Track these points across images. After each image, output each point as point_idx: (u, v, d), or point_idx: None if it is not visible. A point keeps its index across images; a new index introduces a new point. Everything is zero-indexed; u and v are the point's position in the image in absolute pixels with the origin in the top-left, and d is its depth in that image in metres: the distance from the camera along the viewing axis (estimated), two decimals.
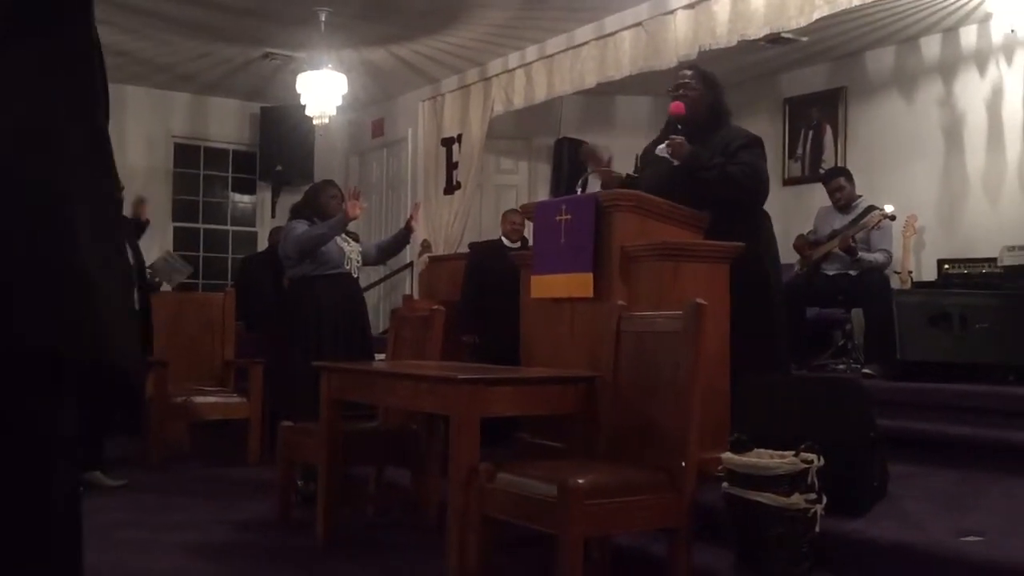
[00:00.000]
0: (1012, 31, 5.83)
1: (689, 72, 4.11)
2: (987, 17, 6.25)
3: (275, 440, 4.31)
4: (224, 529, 4.03)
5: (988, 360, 4.53)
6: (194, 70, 8.06)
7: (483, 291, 5.81)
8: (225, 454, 5.72)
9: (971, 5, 6.10)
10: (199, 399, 5.62)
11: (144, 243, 7.31)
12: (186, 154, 9.01)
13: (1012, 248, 5.57)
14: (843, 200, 5.80)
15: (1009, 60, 6.33)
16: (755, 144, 4.04)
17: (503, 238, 6.29)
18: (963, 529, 2.77)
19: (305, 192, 5.17)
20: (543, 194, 8.36)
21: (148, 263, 5.43)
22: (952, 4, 6.13)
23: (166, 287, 7.22)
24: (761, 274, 3.94)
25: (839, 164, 6.90)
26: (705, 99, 4.07)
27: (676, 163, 3.94)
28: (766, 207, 4.11)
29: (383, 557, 3.64)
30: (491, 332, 5.55)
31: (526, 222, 6.32)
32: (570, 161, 8.28)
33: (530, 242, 6.31)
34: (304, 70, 6.77)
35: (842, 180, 5.86)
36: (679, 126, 3.99)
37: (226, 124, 9.09)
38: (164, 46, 7.37)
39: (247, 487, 4.89)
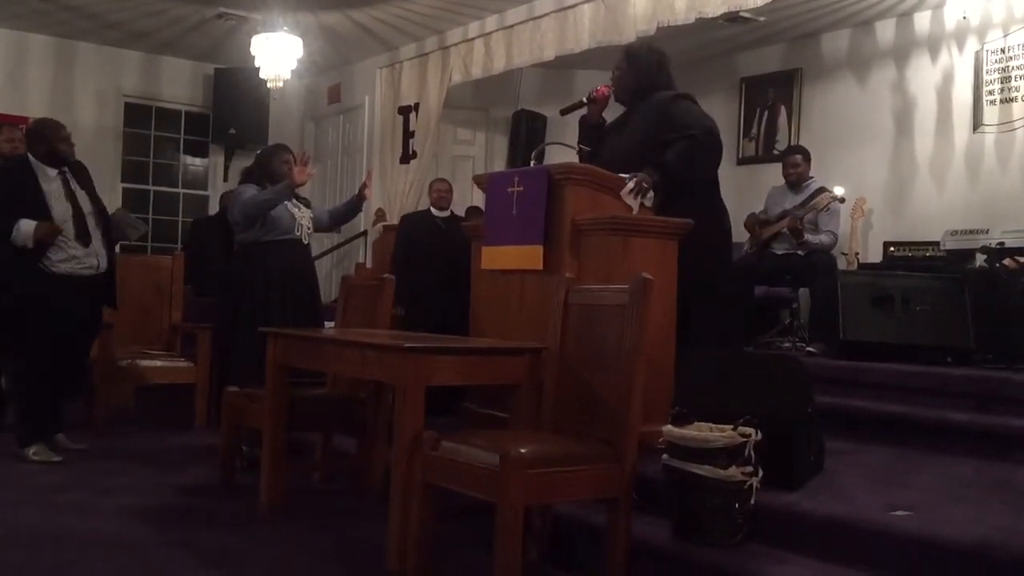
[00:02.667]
0: (964, 17, 5.94)
1: (616, 65, 4.18)
2: (941, 3, 6.34)
3: (221, 405, 4.28)
4: (167, 493, 4.02)
5: (927, 341, 4.63)
6: (146, 28, 7.88)
7: (412, 263, 5.77)
8: (171, 418, 5.68)
9: None
10: (145, 362, 5.56)
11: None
12: (137, 114, 8.83)
13: (955, 232, 5.69)
14: (794, 177, 5.89)
15: (960, 47, 6.43)
16: (683, 98, 4.05)
17: (431, 208, 6.25)
18: (894, 504, 2.84)
19: (257, 156, 5.09)
20: (500, 166, 8.35)
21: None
22: None
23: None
24: (711, 248, 4.00)
25: (793, 144, 6.97)
26: (626, 78, 4.11)
27: (645, 199, 3.81)
28: (719, 182, 4.14)
29: (326, 523, 3.66)
30: (420, 303, 5.51)
31: (455, 190, 6.33)
32: (527, 133, 8.27)
33: (456, 211, 6.32)
34: (259, 32, 6.65)
35: (799, 157, 5.96)
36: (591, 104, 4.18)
37: (179, 84, 8.91)
38: (116, 1, 7.19)
39: (192, 452, 4.87)
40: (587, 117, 4.27)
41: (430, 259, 5.71)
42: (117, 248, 5.76)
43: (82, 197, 4.65)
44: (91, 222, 4.64)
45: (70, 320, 4.56)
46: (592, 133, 4.25)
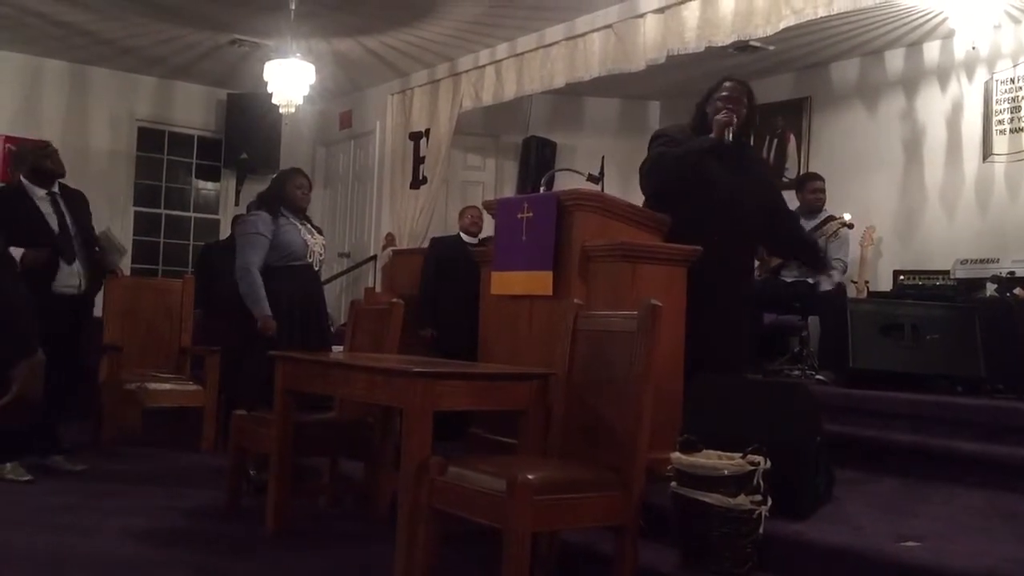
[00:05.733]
0: (973, 48, 5.95)
1: (740, 87, 3.97)
2: (950, 34, 6.36)
3: (229, 428, 4.28)
4: (172, 516, 4.01)
5: (937, 371, 4.61)
6: (161, 54, 7.96)
7: (442, 286, 5.81)
8: (178, 441, 5.68)
9: (935, 21, 6.20)
10: (153, 385, 5.57)
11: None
12: (150, 138, 8.89)
13: (965, 261, 5.68)
14: (820, 202, 5.93)
15: (970, 76, 6.44)
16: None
17: (462, 233, 6.28)
18: (903, 535, 2.82)
19: (272, 180, 5.10)
20: (509, 192, 8.38)
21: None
22: (916, 19, 6.23)
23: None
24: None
25: (801, 173, 6.97)
26: (742, 118, 3.94)
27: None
28: None
29: (332, 548, 3.64)
30: (449, 327, 5.55)
31: (485, 217, 6.34)
32: (537, 159, 8.31)
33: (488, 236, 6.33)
34: (272, 58, 6.71)
35: (822, 183, 6.00)
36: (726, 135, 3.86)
37: (192, 109, 8.98)
38: (130, 28, 7.27)
39: (198, 474, 4.86)
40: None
41: (460, 283, 5.73)
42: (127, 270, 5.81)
43: (70, 219, 4.78)
44: (76, 242, 4.76)
45: (47, 338, 4.56)
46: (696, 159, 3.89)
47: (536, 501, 2.58)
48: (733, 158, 3.89)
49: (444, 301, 5.69)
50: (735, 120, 3.83)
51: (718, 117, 3.84)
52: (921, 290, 5.81)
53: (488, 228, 6.42)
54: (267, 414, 3.94)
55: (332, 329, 5.92)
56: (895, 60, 6.88)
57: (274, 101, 6.74)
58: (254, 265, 4.63)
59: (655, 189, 3.93)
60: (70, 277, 4.70)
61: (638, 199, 4.08)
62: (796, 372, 5.67)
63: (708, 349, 3.65)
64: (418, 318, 5.74)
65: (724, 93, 3.90)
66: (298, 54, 6.61)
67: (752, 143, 4.10)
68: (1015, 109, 6.18)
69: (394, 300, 4.44)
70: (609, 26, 6.19)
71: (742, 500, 2.75)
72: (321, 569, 3.35)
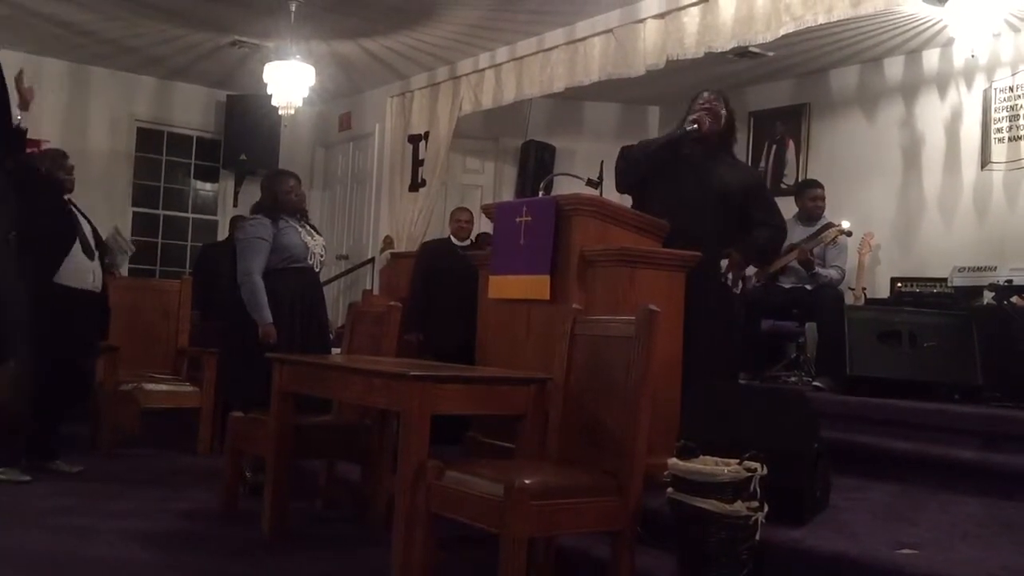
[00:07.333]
0: (972, 56, 5.94)
1: (713, 96, 4.15)
2: (949, 42, 6.36)
3: (226, 430, 4.28)
4: (168, 518, 4.01)
5: (935, 378, 4.61)
6: (161, 54, 7.96)
7: (431, 290, 5.80)
8: (175, 442, 5.68)
9: (934, 29, 6.20)
10: (150, 386, 5.56)
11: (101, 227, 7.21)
12: (149, 139, 8.88)
13: (963, 269, 5.68)
14: (819, 210, 5.94)
15: (969, 84, 6.45)
16: (766, 189, 4.36)
17: (451, 237, 6.28)
18: (900, 542, 2.82)
19: (261, 188, 5.09)
20: (508, 195, 8.38)
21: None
22: (916, 27, 6.24)
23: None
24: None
25: (800, 179, 6.98)
26: (719, 122, 4.12)
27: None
28: None
29: (328, 551, 3.64)
30: (437, 331, 5.54)
31: (475, 220, 6.34)
32: (536, 163, 8.31)
33: (476, 240, 6.33)
34: (272, 59, 6.71)
35: (822, 191, 6.02)
36: (698, 136, 4.06)
37: (191, 110, 8.98)
38: (131, 28, 7.27)
39: (195, 476, 4.86)
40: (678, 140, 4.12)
41: (451, 287, 5.73)
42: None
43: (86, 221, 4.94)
44: (91, 240, 4.87)
45: (69, 337, 4.63)
46: (663, 154, 4.10)
47: (533, 506, 2.58)
48: (696, 163, 4.04)
49: (434, 304, 5.68)
50: (706, 121, 4.04)
51: (690, 117, 4.07)
52: (919, 297, 5.81)
53: (478, 231, 6.45)
54: (264, 416, 3.93)
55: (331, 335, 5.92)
56: (894, 68, 6.89)
57: (274, 102, 6.74)
58: (255, 271, 4.63)
59: (619, 185, 4.20)
60: (87, 274, 4.78)
61: None
62: (793, 378, 5.67)
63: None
64: (406, 322, 5.73)
65: (702, 102, 4.13)
66: (298, 56, 6.61)
67: (736, 150, 4.27)
68: (1014, 117, 6.19)
69: (392, 303, 4.44)
70: (609, 31, 6.19)
71: (739, 506, 2.75)
72: (317, 572, 3.35)
